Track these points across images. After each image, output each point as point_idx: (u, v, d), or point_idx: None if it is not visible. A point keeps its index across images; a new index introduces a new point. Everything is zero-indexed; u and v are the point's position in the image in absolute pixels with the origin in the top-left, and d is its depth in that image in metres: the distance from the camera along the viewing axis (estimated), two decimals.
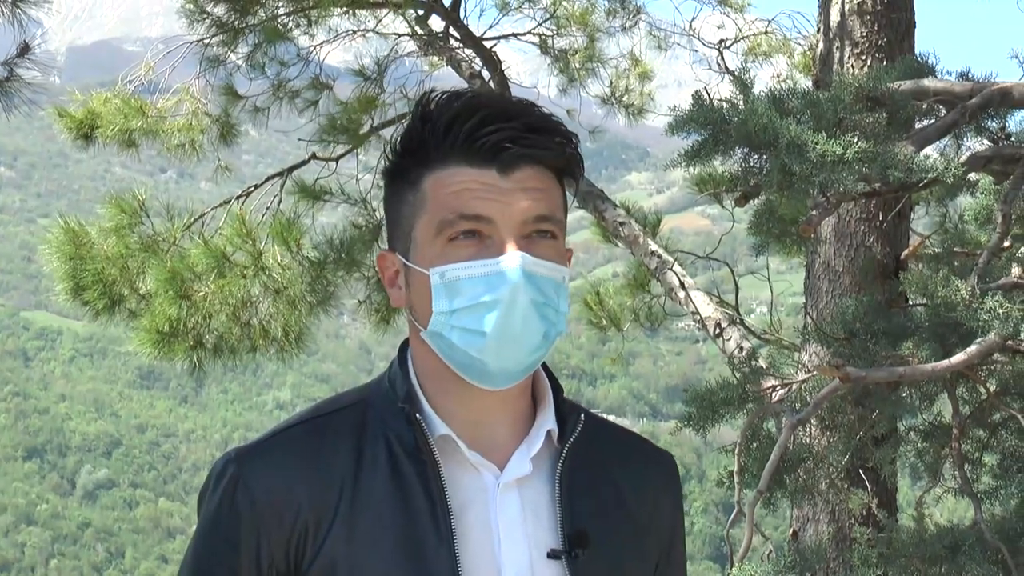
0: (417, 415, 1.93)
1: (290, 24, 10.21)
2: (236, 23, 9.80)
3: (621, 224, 7.96)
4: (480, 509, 1.93)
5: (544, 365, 2.05)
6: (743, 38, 11.07)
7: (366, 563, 1.88)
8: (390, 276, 2.01)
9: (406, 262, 1.96)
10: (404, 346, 2.06)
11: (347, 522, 1.89)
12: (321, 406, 2.04)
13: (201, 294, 8.39)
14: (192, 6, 9.80)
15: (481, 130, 1.88)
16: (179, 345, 8.52)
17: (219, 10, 9.78)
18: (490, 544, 1.92)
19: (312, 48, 10.61)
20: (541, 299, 1.89)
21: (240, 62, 10.35)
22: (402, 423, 1.94)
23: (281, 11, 10.03)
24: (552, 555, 1.94)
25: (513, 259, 1.86)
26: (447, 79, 10.17)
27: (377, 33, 10.72)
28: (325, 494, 1.90)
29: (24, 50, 5.45)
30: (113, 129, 9.48)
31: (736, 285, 8.68)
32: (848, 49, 6.59)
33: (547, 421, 2.01)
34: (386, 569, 1.88)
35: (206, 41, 10.02)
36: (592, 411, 2.15)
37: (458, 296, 1.88)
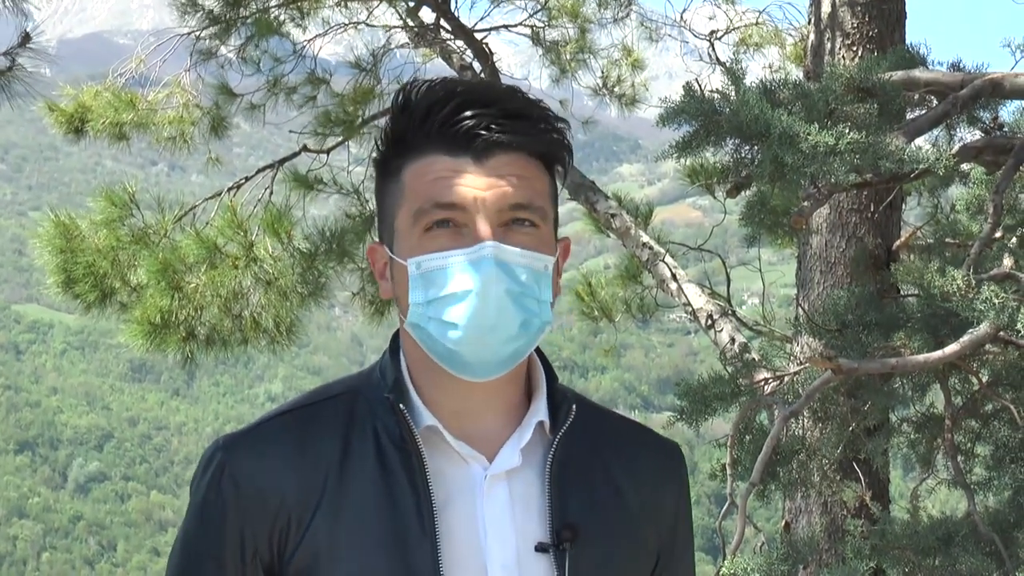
0: (401, 405, 1.91)
1: (283, 17, 10.19)
2: (228, 16, 9.77)
3: (613, 216, 7.95)
4: (466, 501, 1.91)
5: (541, 354, 2.04)
6: (734, 29, 11.05)
7: (348, 555, 1.85)
8: (380, 268, 1.99)
9: (390, 253, 1.94)
10: (396, 335, 2.04)
11: (331, 513, 1.87)
12: (311, 395, 2.02)
13: (193, 285, 8.37)
14: None
15: (456, 117, 1.85)
16: (171, 337, 8.50)
17: (210, 2, 9.75)
18: (475, 537, 1.89)
19: (305, 42, 10.59)
20: (517, 288, 1.85)
21: (232, 55, 10.31)
22: (388, 413, 1.92)
23: (273, 3, 10.01)
24: (539, 548, 1.91)
25: (484, 249, 1.83)
26: (440, 71, 10.15)
27: (369, 25, 10.71)
28: (309, 484, 1.88)
29: (25, 39, 5.42)
30: (104, 122, 9.46)
31: (728, 276, 8.66)
32: (839, 40, 6.59)
33: (539, 412, 1.98)
34: (368, 562, 1.85)
35: (197, 34, 9.99)
36: (589, 400, 2.12)
37: (432, 287, 1.86)
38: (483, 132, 1.85)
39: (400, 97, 1.91)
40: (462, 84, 1.92)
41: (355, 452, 1.91)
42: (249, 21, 9.86)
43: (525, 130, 1.88)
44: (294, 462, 1.89)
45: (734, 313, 7.75)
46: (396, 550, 1.85)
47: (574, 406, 2.01)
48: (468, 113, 1.85)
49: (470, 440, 1.93)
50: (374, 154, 2.02)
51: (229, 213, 8.56)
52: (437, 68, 10.56)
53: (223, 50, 10.28)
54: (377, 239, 2.02)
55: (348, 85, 10.44)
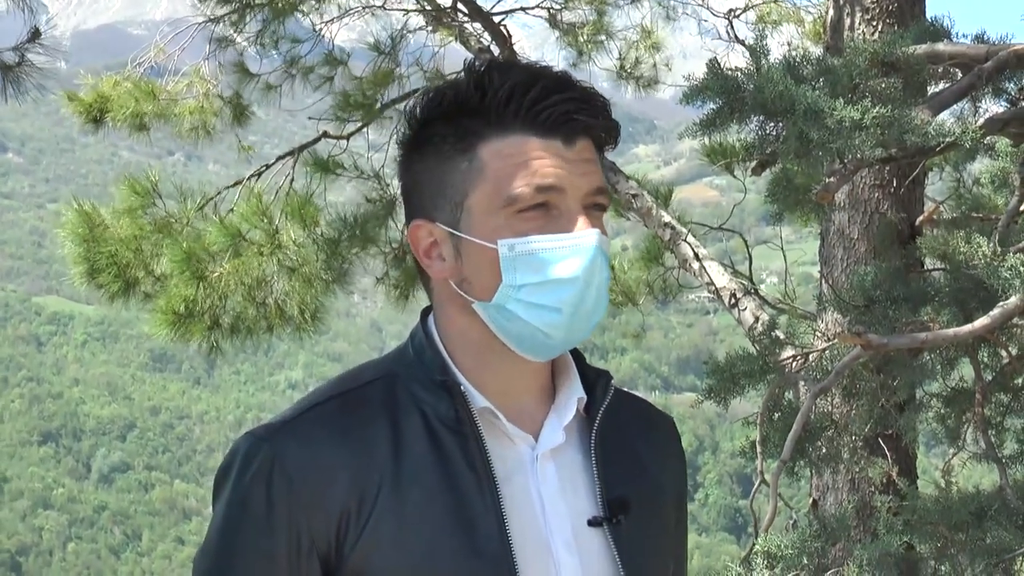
0: (461, 387, 1.90)
1: (299, 2, 10.18)
2: (244, 1, 9.77)
3: (634, 196, 7.95)
4: (522, 480, 1.91)
5: None
6: (752, 7, 11.01)
7: (413, 538, 1.83)
8: (426, 247, 1.95)
9: (456, 232, 1.90)
10: (425, 317, 2.02)
11: (392, 499, 1.84)
12: (344, 381, 1.98)
13: (216, 274, 8.37)
14: None
15: (545, 100, 1.85)
16: (195, 326, 8.50)
17: None
18: (534, 514, 1.90)
19: (322, 24, 10.59)
20: (608, 275, 1.90)
21: (248, 42, 10.32)
22: (439, 395, 1.90)
23: None
24: (593, 522, 1.93)
25: (590, 236, 1.85)
26: (458, 54, 10.13)
27: (385, 9, 10.69)
28: (366, 473, 1.85)
29: (35, 35, 5.44)
30: (124, 113, 9.46)
31: (749, 255, 8.65)
32: (859, 15, 6.55)
33: (576, 389, 1.99)
34: (434, 542, 1.83)
35: (213, 22, 10.00)
36: None
37: (530, 270, 1.85)
38: (577, 116, 1.86)
39: (471, 75, 1.90)
40: (537, 67, 1.92)
41: (405, 436, 1.89)
42: (265, 6, 9.85)
43: (602, 114, 1.91)
44: (346, 451, 1.86)
45: (756, 291, 7.74)
46: (462, 527, 1.84)
47: (612, 382, 2.03)
48: (558, 97, 1.86)
49: (513, 420, 1.94)
50: (403, 132, 1.98)
51: (254, 200, 8.55)
52: (456, 52, 10.53)
53: (240, 37, 10.28)
54: (414, 219, 1.98)
55: (367, 69, 10.43)
